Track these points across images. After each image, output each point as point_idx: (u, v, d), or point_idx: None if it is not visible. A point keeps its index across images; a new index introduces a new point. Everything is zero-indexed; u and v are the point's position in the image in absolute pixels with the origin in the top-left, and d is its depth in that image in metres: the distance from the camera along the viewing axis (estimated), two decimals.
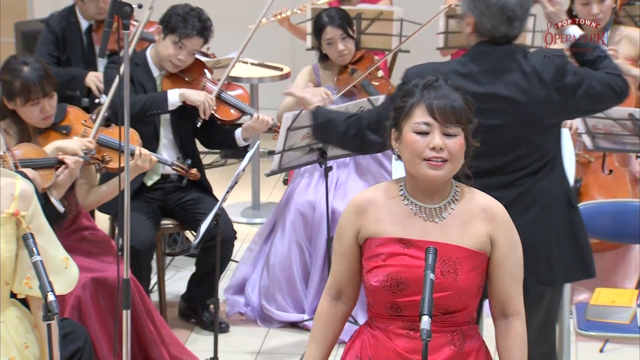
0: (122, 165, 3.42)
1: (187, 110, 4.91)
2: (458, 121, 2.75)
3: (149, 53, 4.95)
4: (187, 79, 4.96)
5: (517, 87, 3.33)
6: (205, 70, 5.04)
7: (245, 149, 5.07)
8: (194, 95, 4.86)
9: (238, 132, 5.00)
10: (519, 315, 2.83)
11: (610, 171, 5.06)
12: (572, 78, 3.37)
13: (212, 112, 4.92)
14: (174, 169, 4.76)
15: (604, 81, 3.43)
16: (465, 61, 3.35)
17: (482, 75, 3.31)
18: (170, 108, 4.84)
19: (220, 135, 5.03)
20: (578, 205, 3.50)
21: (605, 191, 5.01)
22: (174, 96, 4.84)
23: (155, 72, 4.96)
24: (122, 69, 3.40)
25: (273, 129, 4.98)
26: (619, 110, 4.67)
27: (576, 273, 3.46)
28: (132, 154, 4.39)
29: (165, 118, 4.92)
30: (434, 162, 2.74)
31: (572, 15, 5.14)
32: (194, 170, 4.75)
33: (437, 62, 3.50)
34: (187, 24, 4.80)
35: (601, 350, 4.72)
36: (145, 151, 4.43)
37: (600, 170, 5.07)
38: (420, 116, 2.76)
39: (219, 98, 4.98)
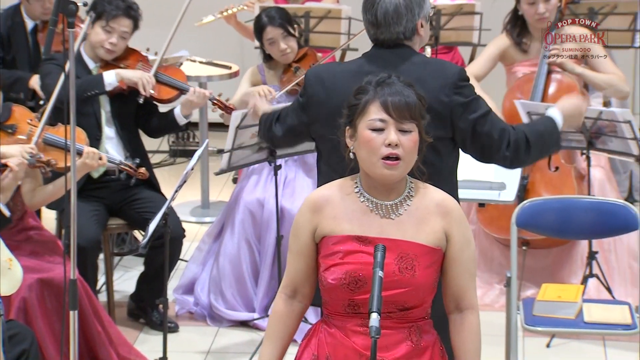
0: (68, 164, 3.38)
1: (126, 103, 4.89)
2: (412, 117, 2.76)
3: (82, 48, 4.94)
4: (122, 66, 4.95)
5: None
6: (141, 59, 5.02)
7: (194, 150, 5.05)
8: (130, 73, 4.87)
9: (177, 110, 4.99)
10: (473, 308, 2.85)
11: (557, 168, 5.12)
12: (463, 99, 3.21)
13: (151, 92, 4.91)
14: (122, 169, 4.72)
15: (503, 131, 3.24)
16: (362, 62, 3.29)
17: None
18: (108, 88, 4.82)
19: (161, 119, 5.01)
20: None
21: (551, 188, 5.06)
22: (110, 76, 4.84)
23: (91, 65, 4.94)
24: (67, 66, 3.36)
25: (213, 102, 4.99)
26: None
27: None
28: (80, 153, 4.36)
29: (106, 111, 4.88)
30: (390, 161, 2.75)
31: (517, 15, 5.19)
32: (142, 170, 4.72)
33: (337, 62, 3.44)
34: (112, 5, 4.83)
35: (548, 346, 4.77)
36: (93, 149, 4.41)
37: (547, 167, 5.12)
38: (375, 113, 2.77)
39: (155, 78, 4.97)
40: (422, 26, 3.29)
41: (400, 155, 2.75)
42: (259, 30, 5.17)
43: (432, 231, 2.79)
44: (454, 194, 3.27)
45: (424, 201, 2.82)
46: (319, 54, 5.41)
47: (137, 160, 4.75)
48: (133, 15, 4.89)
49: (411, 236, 2.78)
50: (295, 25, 5.21)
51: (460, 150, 3.32)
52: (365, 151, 2.77)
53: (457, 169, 3.35)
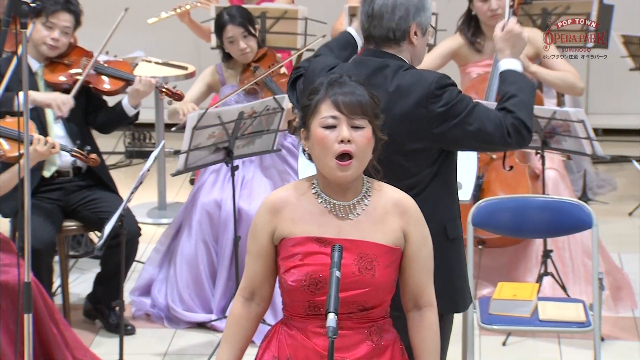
0: (21, 152, 3.35)
1: (76, 101, 4.85)
2: (364, 113, 2.78)
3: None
4: (66, 62, 4.92)
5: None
6: (85, 54, 4.98)
7: (150, 151, 5.03)
8: (41, 97, 4.80)
9: (124, 101, 4.96)
10: (432, 306, 2.87)
11: (511, 167, 5.15)
12: (442, 108, 3.14)
13: (95, 87, 4.88)
14: (73, 155, 4.67)
15: (496, 121, 3.17)
16: (349, 67, 3.25)
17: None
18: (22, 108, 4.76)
19: (109, 113, 4.97)
20: (458, 237, 3.24)
21: (506, 187, 5.10)
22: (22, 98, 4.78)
23: (35, 66, 4.89)
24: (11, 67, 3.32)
25: (159, 90, 4.97)
26: None
27: (443, 307, 3.11)
28: (30, 142, 4.32)
29: (55, 111, 4.84)
30: (343, 162, 2.76)
31: (471, 15, 5.21)
32: (93, 156, 4.68)
33: (329, 65, 3.41)
34: (50, 1, 4.80)
35: (504, 344, 4.80)
36: (43, 137, 4.38)
37: (502, 167, 5.16)
38: (326, 111, 2.78)
39: (97, 71, 4.93)
40: (415, 34, 3.25)
41: (353, 152, 2.76)
42: (219, 28, 5.15)
43: (391, 230, 2.81)
44: (451, 202, 3.23)
45: (382, 200, 2.83)
46: (278, 55, 5.42)
47: (88, 148, 4.70)
48: (73, 9, 4.86)
49: (370, 236, 2.79)
50: (257, 26, 5.21)
51: (451, 156, 3.25)
52: (319, 150, 2.78)
53: (453, 177, 3.27)
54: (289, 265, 2.79)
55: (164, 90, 4.97)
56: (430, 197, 3.16)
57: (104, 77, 4.97)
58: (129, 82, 4.96)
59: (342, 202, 2.81)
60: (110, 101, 5.05)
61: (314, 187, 2.84)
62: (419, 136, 3.15)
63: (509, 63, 3.35)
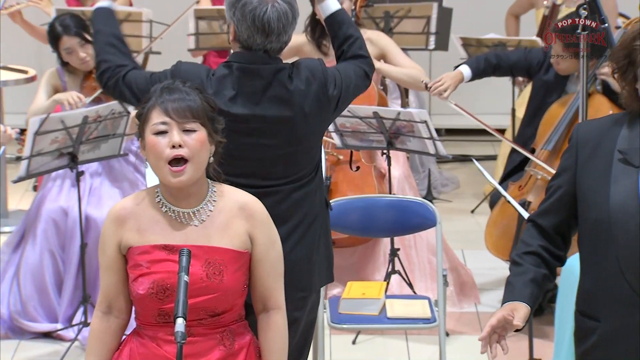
0: None
1: None
2: (195, 116, 2.78)
3: None
4: None
5: (284, 106, 3.27)
6: None
7: None
8: None
9: None
10: (280, 308, 2.88)
11: (358, 168, 5.22)
12: (334, 90, 3.34)
13: None
14: None
15: (359, 72, 3.43)
16: (234, 81, 3.28)
17: (252, 96, 3.26)
18: None
19: None
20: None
21: (353, 187, 5.17)
22: None
23: None
24: None
25: (19, 142, 4.82)
26: (365, 109, 4.84)
27: (325, 278, 3.48)
28: None
29: None
30: (175, 167, 2.75)
31: (315, 17, 5.24)
32: None
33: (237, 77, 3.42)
34: None
35: (354, 342, 4.87)
36: None
37: (349, 167, 5.23)
38: (156, 117, 2.78)
39: None
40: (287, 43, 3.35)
41: (186, 156, 2.76)
42: (54, 40, 5.04)
43: (237, 234, 2.81)
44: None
45: (227, 204, 2.83)
46: None
47: None
48: None
49: (217, 241, 2.79)
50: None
51: None
52: (152, 157, 2.78)
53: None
54: (137, 274, 2.77)
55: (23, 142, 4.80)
56: (320, 175, 3.42)
57: None
58: None
59: (186, 209, 2.81)
60: None
61: (158, 196, 2.83)
62: (324, 122, 3.39)
63: (335, 2, 3.52)
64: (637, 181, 2.62)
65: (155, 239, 2.78)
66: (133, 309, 2.88)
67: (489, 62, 5.11)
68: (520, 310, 2.66)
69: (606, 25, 3.99)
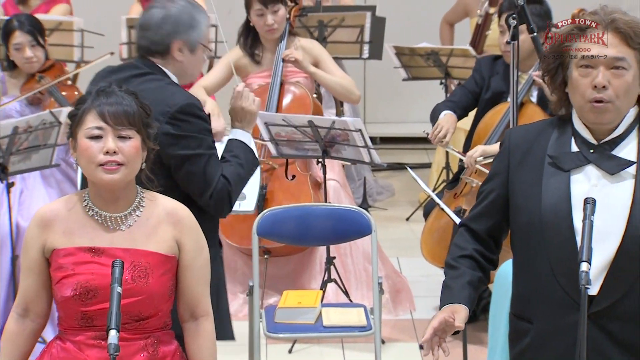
0: None
1: None
2: (131, 124, 2.77)
3: None
4: None
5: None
6: None
7: None
8: None
9: None
10: (208, 315, 2.89)
11: (293, 177, 5.23)
12: (175, 131, 3.23)
13: None
14: None
15: (210, 179, 3.29)
16: (108, 71, 3.32)
17: None
18: None
19: None
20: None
21: (289, 196, 5.17)
22: None
23: None
24: None
25: None
26: (300, 118, 4.84)
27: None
28: None
29: None
30: (109, 166, 2.74)
31: (249, 27, 5.25)
32: None
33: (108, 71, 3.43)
34: None
35: (290, 351, 4.86)
36: None
37: (284, 176, 5.23)
38: (91, 121, 2.77)
39: None
40: (180, 51, 3.32)
41: (120, 161, 2.75)
42: (6, 33, 5.04)
43: (164, 239, 2.81)
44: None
45: (155, 210, 2.83)
46: (67, 68, 5.31)
47: None
48: None
49: (143, 245, 2.79)
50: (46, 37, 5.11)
51: None
52: (84, 160, 2.77)
53: None
54: (60, 275, 2.77)
55: None
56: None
57: None
58: None
59: (114, 214, 2.80)
60: None
61: (85, 200, 2.82)
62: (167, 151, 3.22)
63: (239, 134, 3.46)
64: (568, 185, 2.66)
65: (81, 242, 2.77)
66: (52, 314, 2.86)
67: (456, 108, 5.10)
68: (460, 312, 2.68)
69: (535, 34, 4.04)
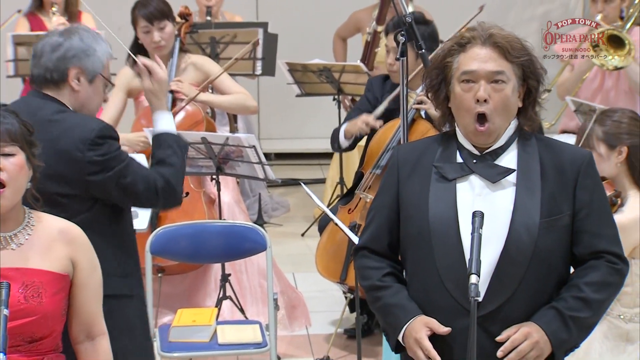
0: None
1: None
2: (14, 140, 2.74)
3: None
4: None
5: None
6: None
7: None
8: None
9: None
10: (104, 334, 2.87)
11: (187, 194, 5.18)
12: (99, 157, 3.21)
13: None
14: None
15: (148, 180, 3.29)
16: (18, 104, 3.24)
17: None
18: None
19: None
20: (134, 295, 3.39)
21: (182, 214, 5.12)
22: None
23: None
24: None
25: None
26: (193, 135, 4.81)
27: None
28: None
29: None
30: None
31: (139, 43, 5.18)
32: None
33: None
34: None
35: None
36: None
37: None
38: None
39: None
40: (78, 80, 3.24)
41: (4, 180, 2.72)
42: None
43: (57, 258, 2.78)
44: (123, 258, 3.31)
45: (46, 230, 2.80)
46: None
47: None
48: None
49: (35, 263, 2.75)
50: None
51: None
52: None
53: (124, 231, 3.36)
54: None
55: None
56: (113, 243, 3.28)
57: None
58: None
59: (3, 233, 2.76)
60: None
61: None
62: (72, 182, 3.20)
63: (165, 122, 3.43)
64: (454, 194, 2.74)
65: None
66: None
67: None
68: (430, 321, 2.73)
69: (423, 51, 4.10)
